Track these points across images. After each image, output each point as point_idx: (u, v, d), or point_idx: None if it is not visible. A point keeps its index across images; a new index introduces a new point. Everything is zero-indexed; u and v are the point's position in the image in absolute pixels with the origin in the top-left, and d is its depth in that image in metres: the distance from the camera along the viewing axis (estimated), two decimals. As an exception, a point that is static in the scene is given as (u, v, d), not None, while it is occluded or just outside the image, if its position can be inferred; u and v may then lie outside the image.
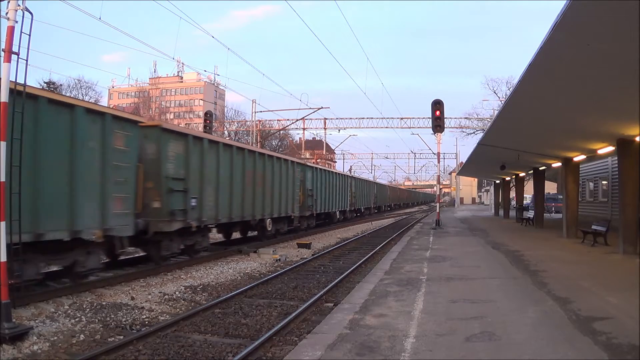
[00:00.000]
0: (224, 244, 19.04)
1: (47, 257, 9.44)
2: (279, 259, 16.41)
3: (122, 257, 13.42)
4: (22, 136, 7.66)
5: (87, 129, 9.93)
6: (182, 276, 12.91)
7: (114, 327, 8.22)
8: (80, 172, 9.75)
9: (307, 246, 19.95)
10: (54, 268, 10.56)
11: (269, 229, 19.86)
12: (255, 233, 20.32)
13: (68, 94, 48.22)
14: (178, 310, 9.60)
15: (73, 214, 9.61)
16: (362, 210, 41.82)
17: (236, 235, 20.82)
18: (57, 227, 9.25)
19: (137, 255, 14.72)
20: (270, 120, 58.15)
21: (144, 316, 8.98)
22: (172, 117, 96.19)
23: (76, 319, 8.45)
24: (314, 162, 36.65)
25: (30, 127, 8.47)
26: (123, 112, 12.67)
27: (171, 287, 11.37)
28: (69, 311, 8.88)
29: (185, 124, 56.68)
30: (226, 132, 65.70)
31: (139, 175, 11.83)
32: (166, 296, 10.51)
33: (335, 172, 32.39)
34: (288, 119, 50.86)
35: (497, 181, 45.35)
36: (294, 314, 8.63)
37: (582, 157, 19.59)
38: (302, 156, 59.72)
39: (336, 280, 11.98)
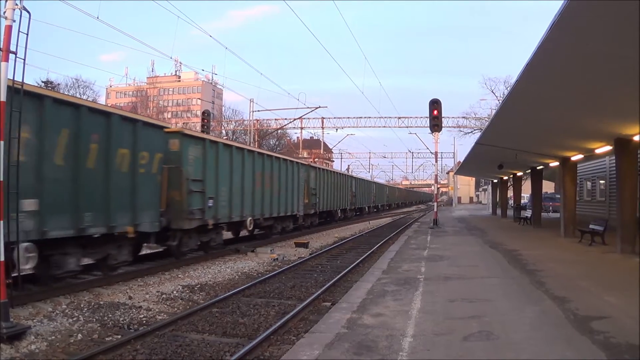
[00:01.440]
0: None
1: (280, 223, 22.11)
2: (277, 258, 16.41)
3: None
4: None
5: (296, 171, 23.52)
6: (179, 275, 12.90)
7: (112, 327, 8.20)
8: (293, 188, 22.96)
9: (305, 245, 19.96)
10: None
11: (341, 216, 35.45)
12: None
13: (66, 93, 48.09)
14: (176, 309, 9.58)
15: (292, 205, 22.88)
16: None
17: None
18: (287, 211, 22.19)
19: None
20: (267, 120, 57.97)
21: (142, 315, 8.96)
22: (169, 116, 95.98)
23: (74, 319, 8.43)
24: (311, 162, 38.18)
25: (278, 171, 21.00)
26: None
27: (169, 287, 11.36)
28: (67, 311, 8.86)
29: (183, 123, 56.55)
30: (224, 132, 65.54)
31: (305, 187, 24.98)
32: (164, 295, 10.50)
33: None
34: (286, 119, 50.90)
35: (495, 180, 45.38)
36: (291, 313, 8.63)
37: (580, 156, 19.61)
38: (300, 155, 59.70)
39: (334, 280, 11.99)
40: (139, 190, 11.59)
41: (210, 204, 15.01)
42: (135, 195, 11.48)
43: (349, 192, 36.63)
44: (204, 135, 16.39)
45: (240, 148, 17.80)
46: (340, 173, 36.12)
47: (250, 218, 17.95)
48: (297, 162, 24.49)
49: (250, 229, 18.62)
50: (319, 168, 29.66)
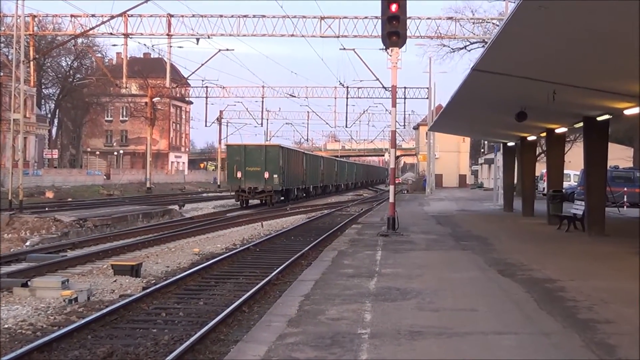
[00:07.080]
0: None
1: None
2: (75, 298, 16.05)
3: None
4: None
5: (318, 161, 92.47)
6: None
7: None
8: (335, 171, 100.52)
9: (133, 271, 19.64)
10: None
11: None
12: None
13: None
14: None
15: (337, 179, 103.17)
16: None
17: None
18: (328, 182, 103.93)
19: None
20: (57, 17, 56.22)
21: None
22: None
23: None
24: (147, 101, 38.88)
25: (309, 161, 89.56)
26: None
27: None
28: None
29: None
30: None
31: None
32: None
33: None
34: (94, 15, 49.78)
35: (510, 143, 46.26)
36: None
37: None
38: (125, 89, 58.75)
39: (192, 340, 11.96)
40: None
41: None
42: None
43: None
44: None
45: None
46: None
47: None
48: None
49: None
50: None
